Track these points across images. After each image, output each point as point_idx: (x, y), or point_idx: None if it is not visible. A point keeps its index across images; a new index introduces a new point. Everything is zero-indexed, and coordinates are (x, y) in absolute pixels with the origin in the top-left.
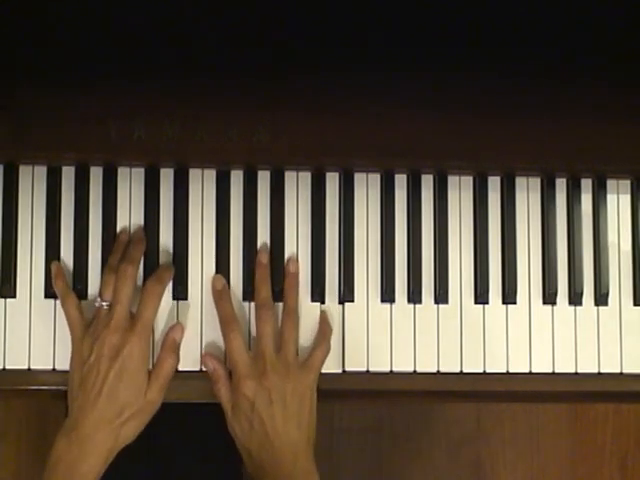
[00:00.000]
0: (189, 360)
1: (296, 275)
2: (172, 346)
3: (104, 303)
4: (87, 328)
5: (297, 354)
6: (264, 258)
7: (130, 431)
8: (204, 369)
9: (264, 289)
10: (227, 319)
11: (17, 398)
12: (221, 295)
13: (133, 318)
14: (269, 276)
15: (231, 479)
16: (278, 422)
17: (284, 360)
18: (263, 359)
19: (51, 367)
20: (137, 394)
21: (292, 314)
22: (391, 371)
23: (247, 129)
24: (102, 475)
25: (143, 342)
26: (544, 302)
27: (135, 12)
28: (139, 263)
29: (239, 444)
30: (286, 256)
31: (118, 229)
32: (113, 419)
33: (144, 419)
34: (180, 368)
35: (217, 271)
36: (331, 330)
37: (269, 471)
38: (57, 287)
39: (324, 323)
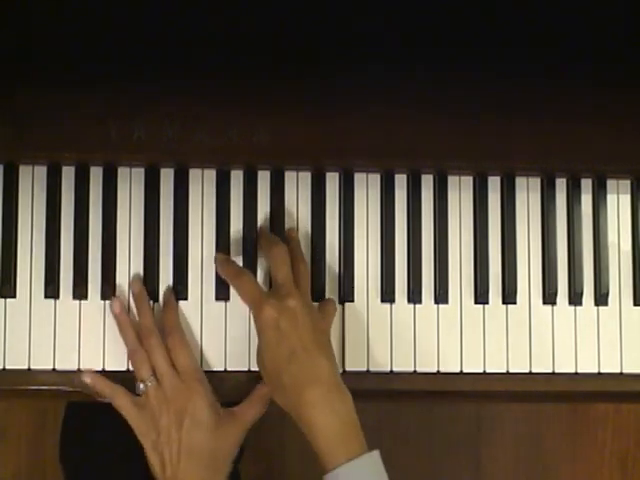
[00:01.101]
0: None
1: (297, 238)
2: (262, 398)
3: (149, 383)
4: (143, 412)
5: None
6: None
7: (222, 477)
8: (204, 369)
9: (269, 236)
10: (235, 274)
11: (17, 398)
12: (223, 264)
13: (178, 377)
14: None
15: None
16: (304, 335)
17: (303, 294)
18: (284, 285)
19: (51, 367)
20: (214, 438)
21: (302, 260)
22: (391, 371)
23: (247, 129)
24: (102, 474)
25: (199, 389)
26: (544, 302)
27: (135, 12)
28: (155, 325)
29: (269, 376)
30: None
31: (118, 229)
32: (202, 473)
33: (229, 460)
34: None
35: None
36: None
37: (304, 386)
38: (103, 392)
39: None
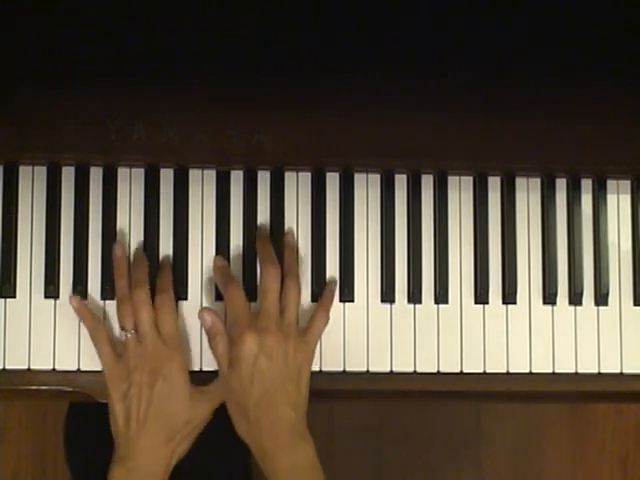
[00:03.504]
0: (189, 360)
1: (294, 245)
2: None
3: (129, 334)
4: (119, 360)
5: (297, 322)
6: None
7: (183, 448)
8: (205, 369)
9: (267, 249)
10: (226, 284)
11: (17, 398)
12: (219, 271)
13: (160, 338)
14: (270, 243)
15: (238, 474)
16: (277, 380)
17: (287, 323)
18: (267, 317)
19: (51, 367)
20: (185, 408)
21: (294, 277)
22: (391, 371)
23: (247, 129)
24: (104, 472)
25: (178, 356)
26: (544, 302)
27: (135, 12)
28: (148, 282)
29: (234, 401)
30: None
31: (118, 229)
32: (166, 439)
33: (194, 433)
34: None
35: None
36: (331, 302)
37: (266, 431)
38: (86, 325)
39: (328, 292)
